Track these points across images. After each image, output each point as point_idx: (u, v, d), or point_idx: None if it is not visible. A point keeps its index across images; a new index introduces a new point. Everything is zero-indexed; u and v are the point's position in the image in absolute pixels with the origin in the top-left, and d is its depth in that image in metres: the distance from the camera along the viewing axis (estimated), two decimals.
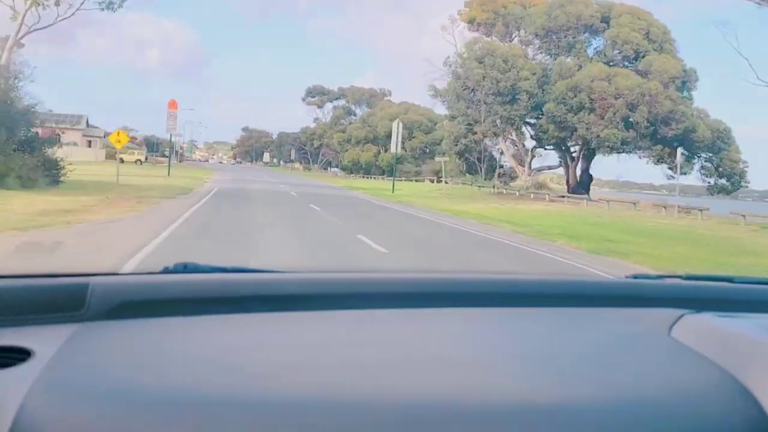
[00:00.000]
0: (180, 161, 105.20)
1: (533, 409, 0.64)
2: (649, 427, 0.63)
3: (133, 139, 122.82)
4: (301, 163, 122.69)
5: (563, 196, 39.45)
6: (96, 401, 0.68)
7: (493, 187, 46.40)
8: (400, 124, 36.38)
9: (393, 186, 41.24)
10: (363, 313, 0.98)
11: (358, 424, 0.62)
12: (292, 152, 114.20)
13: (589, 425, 0.62)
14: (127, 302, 0.95)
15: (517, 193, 42.68)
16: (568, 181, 45.64)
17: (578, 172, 44.70)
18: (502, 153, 52.63)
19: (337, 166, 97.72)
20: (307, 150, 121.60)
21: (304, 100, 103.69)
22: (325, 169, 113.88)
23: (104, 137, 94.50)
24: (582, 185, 43.99)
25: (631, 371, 0.76)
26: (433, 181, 60.69)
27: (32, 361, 0.77)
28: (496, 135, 44.19)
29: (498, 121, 42.30)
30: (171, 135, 37.44)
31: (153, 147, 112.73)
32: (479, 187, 47.78)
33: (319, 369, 0.75)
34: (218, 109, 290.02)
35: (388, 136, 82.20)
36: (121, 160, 71.01)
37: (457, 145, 51.29)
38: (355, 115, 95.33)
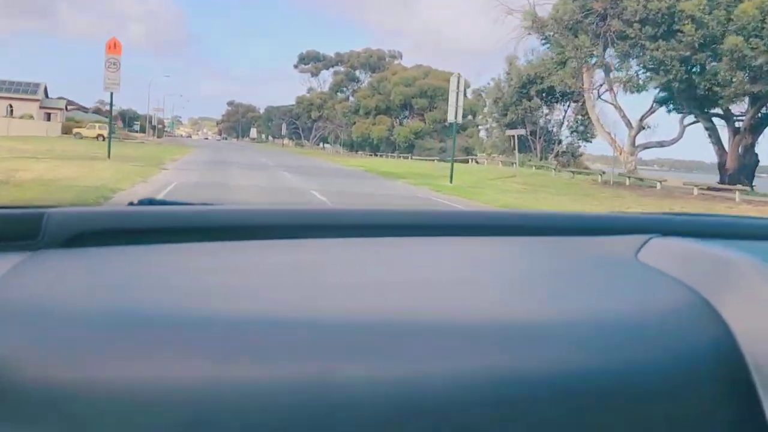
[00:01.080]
0: (159, 137, 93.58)
1: (490, 329, 0.64)
2: (612, 345, 0.63)
3: (107, 113, 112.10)
4: (291, 138, 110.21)
5: (716, 189, 26.70)
6: (44, 322, 0.67)
7: (575, 172, 33.83)
8: (461, 79, 23.95)
9: (451, 173, 24.88)
10: (322, 241, 0.99)
11: (321, 338, 0.63)
12: (283, 127, 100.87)
13: (549, 344, 0.62)
14: (85, 231, 0.93)
15: (627, 181, 29.23)
16: (723, 166, 31.12)
17: (739, 151, 30.77)
18: (562, 124, 40.28)
19: (336, 142, 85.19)
20: (298, 125, 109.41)
21: (296, 67, 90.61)
22: (318, 145, 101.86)
23: (66, 110, 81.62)
24: (744, 171, 30.20)
25: (593, 293, 0.76)
26: (468, 161, 48.29)
27: None
28: (637, 88, 29.14)
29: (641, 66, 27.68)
30: (112, 94, 24.49)
31: (128, 122, 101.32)
32: (554, 170, 35.20)
33: (273, 291, 0.75)
34: (204, 85, 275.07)
35: (404, 105, 66.46)
36: (80, 136, 58.69)
37: (506, 114, 39.29)
38: (358, 81, 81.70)
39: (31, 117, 66.96)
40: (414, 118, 65.13)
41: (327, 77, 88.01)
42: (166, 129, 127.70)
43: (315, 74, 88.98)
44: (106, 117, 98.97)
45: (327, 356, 0.60)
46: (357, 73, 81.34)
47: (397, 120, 66.18)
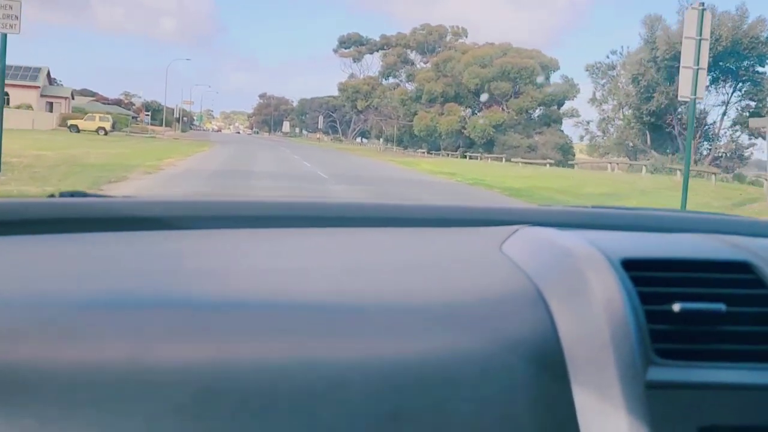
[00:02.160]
0: (183, 131, 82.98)
1: (359, 307, 0.70)
2: (432, 324, 0.67)
3: (129, 104, 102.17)
4: (327, 133, 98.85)
5: None
6: None
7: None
8: (706, 16, 11.76)
9: (685, 192, 12.42)
10: (229, 231, 1.02)
11: (267, 318, 0.67)
12: (320, 120, 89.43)
13: (389, 320, 0.67)
14: (6, 220, 0.95)
15: None
16: None
17: None
18: (724, 114, 27.82)
19: (379, 136, 73.36)
20: (335, 118, 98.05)
21: (336, 51, 79.04)
22: (357, 140, 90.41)
23: (72, 98, 71.13)
24: None
25: (443, 281, 0.79)
26: (558, 164, 35.59)
27: None
28: None
29: None
30: (5, 37, 12.24)
31: (153, 114, 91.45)
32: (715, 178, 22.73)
33: (197, 276, 0.79)
34: (235, 78, 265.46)
35: (476, 92, 51.42)
36: (75, 129, 45.97)
37: (649, 100, 27.13)
38: (412, 64, 68.89)
39: (30, 107, 55.92)
40: (491, 108, 52.13)
41: (371, 63, 76.02)
42: (195, 122, 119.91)
43: (357, 59, 77.17)
44: (127, 108, 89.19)
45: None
46: (411, 55, 68.75)
47: (469, 109, 53.12)
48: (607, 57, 40.01)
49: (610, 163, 30.76)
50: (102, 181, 13.76)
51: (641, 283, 0.71)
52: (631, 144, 32.00)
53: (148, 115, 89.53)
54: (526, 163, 37.73)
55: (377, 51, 75.23)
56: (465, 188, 19.93)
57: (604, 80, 38.65)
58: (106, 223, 0.98)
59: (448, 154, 52.19)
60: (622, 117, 35.29)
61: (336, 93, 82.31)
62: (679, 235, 0.93)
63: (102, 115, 48.04)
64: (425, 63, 65.69)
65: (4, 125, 14.09)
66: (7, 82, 52.14)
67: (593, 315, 0.67)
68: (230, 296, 0.72)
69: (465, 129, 52.11)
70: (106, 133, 45.51)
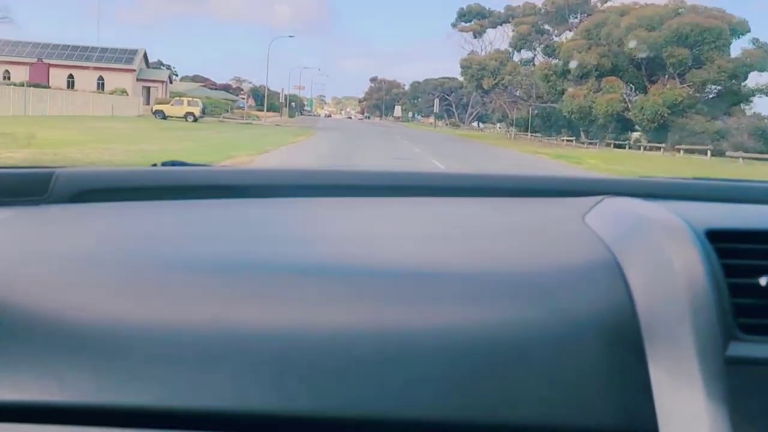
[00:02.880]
0: (291, 116, 77.47)
1: (430, 274, 0.70)
2: (510, 292, 0.67)
3: (238, 89, 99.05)
4: (441, 117, 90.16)
5: None
6: (31, 263, 0.72)
7: None
8: None
9: None
10: (317, 200, 1.04)
11: (344, 282, 0.68)
12: (436, 103, 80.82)
13: (466, 288, 0.67)
14: (90, 189, 0.99)
15: None
16: None
17: None
18: None
19: (503, 120, 63.80)
20: (451, 101, 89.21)
21: (454, 26, 69.75)
22: (474, 124, 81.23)
23: (170, 81, 65.97)
24: None
25: (521, 248, 0.80)
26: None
27: None
28: None
29: None
30: None
31: (260, 99, 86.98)
32: None
33: (279, 241, 0.81)
34: (347, 63, 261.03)
35: (641, 63, 39.82)
36: (162, 115, 29.04)
37: None
38: (548, 33, 57.57)
39: (124, 92, 50.48)
40: (660, 82, 40.96)
41: (494, 38, 66.16)
42: (305, 108, 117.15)
43: (479, 34, 67.62)
44: (235, 94, 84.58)
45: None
46: (544, 26, 58.01)
47: (632, 84, 41.59)
48: None
49: None
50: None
51: (727, 255, 0.67)
52: None
53: (243, 99, 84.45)
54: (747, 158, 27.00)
55: (501, 24, 65.39)
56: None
57: None
58: (202, 191, 1.03)
59: (609, 143, 41.39)
60: None
61: (451, 75, 73.79)
62: None
63: (191, 99, 41.77)
64: (557, 36, 55.34)
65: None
66: (100, 65, 45.63)
67: (672, 287, 0.64)
68: (310, 262, 0.73)
69: (628, 110, 40.79)
70: (195, 120, 39.00)
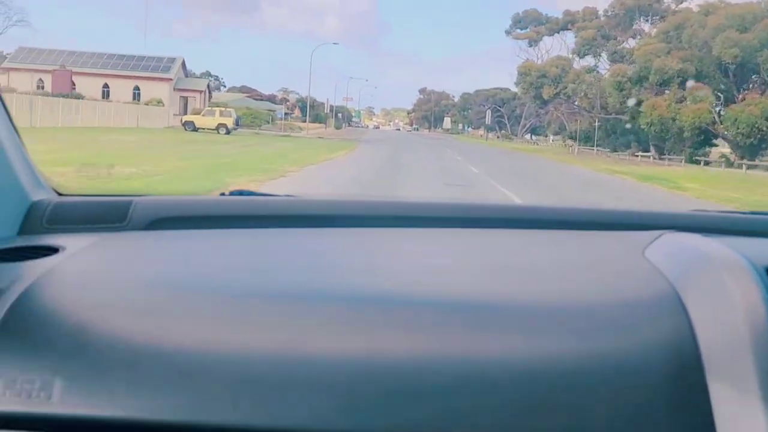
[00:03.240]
0: (337, 128, 74.49)
1: (490, 305, 0.72)
2: (573, 325, 0.68)
3: (284, 100, 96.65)
4: (492, 129, 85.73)
5: None
6: (114, 286, 0.77)
7: None
8: None
9: None
10: (379, 230, 1.08)
11: (397, 310, 0.71)
12: (488, 115, 76.40)
13: (529, 319, 0.69)
14: (165, 217, 1.07)
15: None
16: None
17: None
18: None
19: (559, 133, 59.05)
20: (503, 112, 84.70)
21: (509, 33, 65.60)
22: (527, 137, 76.55)
23: (209, 91, 63.37)
24: None
25: (583, 282, 0.80)
26: None
27: (58, 255, 0.87)
28: None
29: None
30: None
31: (305, 110, 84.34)
32: None
33: (333, 271, 0.85)
34: (396, 74, 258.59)
35: (724, 69, 34.74)
36: (192, 127, 17.43)
37: None
38: (614, 38, 52.37)
39: (160, 102, 47.77)
40: (760, 90, 35.57)
41: (550, 47, 61.49)
42: (353, 119, 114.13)
43: (535, 41, 63.20)
44: (279, 104, 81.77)
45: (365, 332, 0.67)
46: (609, 31, 52.83)
47: (722, 93, 36.10)
48: None
49: None
50: None
51: None
52: None
53: (285, 110, 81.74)
54: None
55: (559, 32, 60.83)
56: None
57: None
58: (267, 220, 1.09)
59: (697, 160, 35.94)
60: None
61: (503, 85, 68.77)
62: None
63: (223, 109, 38.43)
64: (624, 41, 50.41)
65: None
66: (136, 74, 42.20)
67: (734, 322, 0.65)
68: (378, 292, 0.75)
69: (715, 122, 35.46)
70: (228, 132, 35.80)
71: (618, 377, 0.62)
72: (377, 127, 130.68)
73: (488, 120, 75.12)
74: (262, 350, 0.66)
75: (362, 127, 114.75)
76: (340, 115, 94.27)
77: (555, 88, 50.71)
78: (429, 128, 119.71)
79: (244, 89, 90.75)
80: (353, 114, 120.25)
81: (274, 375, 0.63)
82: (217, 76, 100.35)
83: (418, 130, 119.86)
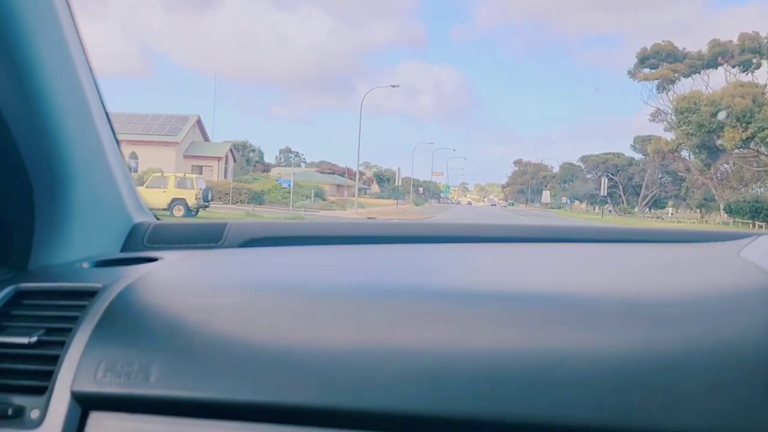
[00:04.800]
0: (417, 204, 61.68)
1: (588, 298, 0.73)
2: (672, 314, 0.68)
3: (341, 170, 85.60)
4: (604, 203, 68.22)
5: None
6: (206, 285, 0.85)
7: None
8: None
9: None
10: (470, 246, 1.13)
11: (473, 307, 0.72)
12: (603, 183, 59.02)
13: (626, 313, 0.69)
14: (256, 237, 1.18)
15: None
16: None
17: None
18: None
19: (702, 206, 41.21)
20: (617, 180, 67.33)
21: (632, 75, 49.00)
22: (650, 210, 58.84)
23: (233, 158, 49.54)
24: None
25: (679, 277, 0.81)
26: None
27: (158, 263, 0.97)
28: None
29: None
30: None
31: (383, 183, 73.74)
32: None
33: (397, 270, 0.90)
34: (491, 150, 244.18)
35: None
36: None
37: None
38: None
39: (160, 172, 33.59)
40: None
41: (685, 89, 44.17)
42: (441, 194, 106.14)
43: (669, 84, 46.13)
44: (351, 178, 68.82)
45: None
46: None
47: None
48: None
49: None
50: None
51: None
52: None
53: (351, 181, 68.24)
54: None
55: (704, 68, 43.63)
56: None
57: None
58: (353, 240, 1.18)
59: None
60: None
61: (615, 150, 52.38)
62: None
63: (182, 177, 22.84)
64: None
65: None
66: (132, 137, 26.85)
67: None
68: (469, 288, 0.77)
69: None
70: (190, 212, 20.84)
71: (716, 359, 0.62)
72: (469, 203, 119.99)
73: (603, 190, 57.66)
74: (343, 340, 0.68)
75: (451, 202, 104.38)
76: (420, 189, 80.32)
77: (743, 130, 30.98)
78: (525, 202, 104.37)
79: (323, 164, 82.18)
80: (442, 189, 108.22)
81: (357, 361, 0.66)
82: (297, 152, 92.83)
83: (513, 204, 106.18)
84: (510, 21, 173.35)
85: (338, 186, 62.54)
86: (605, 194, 59.84)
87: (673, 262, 0.91)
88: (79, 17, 1.03)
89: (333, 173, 76.45)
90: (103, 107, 1.13)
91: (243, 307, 0.76)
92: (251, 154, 64.72)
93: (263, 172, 63.03)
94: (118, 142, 1.17)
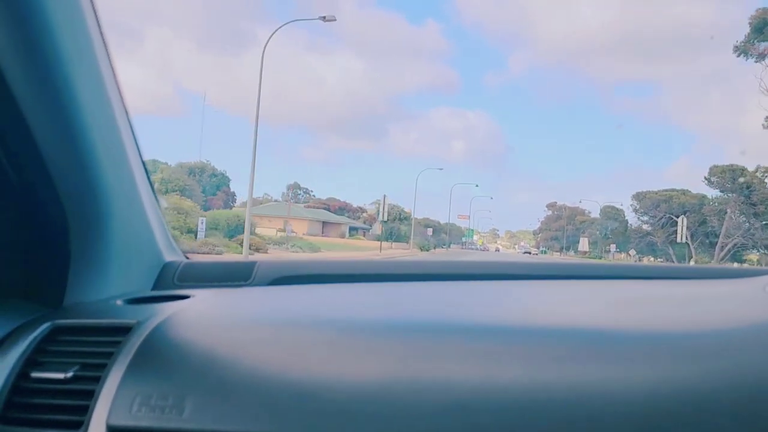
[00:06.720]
0: (425, 249, 45.13)
1: (626, 334, 0.72)
2: (708, 352, 0.67)
3: (359, 210, 76.65)
4: (663, 254, 51.59)
5: None
6: (238, 321, 0.86)
7: None
8: None
9: None
10: (496, 282, 1.14)
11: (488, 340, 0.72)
12: (681, 224, 41.87)
13: (654, 348, 0.68)
14: (284, 275, 1.20)
15: None
16: None
17: None
18: None
19: None
20: (690, 226, 50.39)
21: (740, 51, 32.31)
22: (730, 260, 41.35)
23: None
24: None
25: (713, 313, 0.80)
26: None
27: (190, 300, 0.98)
28: None
29: None
30: None
31: (391, 222, 56.59)
32: None
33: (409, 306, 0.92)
34: (521, 197, 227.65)
35: None
36: None
37: None
38: None
39: None
40: None
41: None
42: (464, 238, 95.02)
43: None
44: (352, 217, 53.35)
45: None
46: None
47: None
48: None
49: None
50: None
51: None
52: None
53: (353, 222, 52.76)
54: None
55: None
56: None
57: None
58: (382, 278, 1.19)
59: None
60: None
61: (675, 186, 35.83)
62: None
63: None
64: None
65: None
66: None
67: None
68: (496, 324, 0.77)
69: None
70: None
71: (744, 394, 0.61)
72: (497, 250, 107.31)
73: (682, 236, 40.41)
74: (372, 374, 0.69)
75: (475, 248, 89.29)
76: (430, 231, 64.21)
77: None
78: (560, 250, 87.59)
79: (330, 200, 75.52)
80: (465, 233, 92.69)
81: (386, 396, 0.66)
82: (306, 189, 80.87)
83: (546, 252, 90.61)
84: (542, 67, 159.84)
85: (324, 223, 47.46)
86: (685, 240, 42.62)
87: (699, 298, 0.90)
88: (115, 57, 1.04)
89: (331, 210, 62.72)
90: (137, 146, 1.12)
91: (273, 343, 0.77)
92: (213, 179, 51.06)
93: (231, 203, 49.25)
94: (151, 181, 1.18)
